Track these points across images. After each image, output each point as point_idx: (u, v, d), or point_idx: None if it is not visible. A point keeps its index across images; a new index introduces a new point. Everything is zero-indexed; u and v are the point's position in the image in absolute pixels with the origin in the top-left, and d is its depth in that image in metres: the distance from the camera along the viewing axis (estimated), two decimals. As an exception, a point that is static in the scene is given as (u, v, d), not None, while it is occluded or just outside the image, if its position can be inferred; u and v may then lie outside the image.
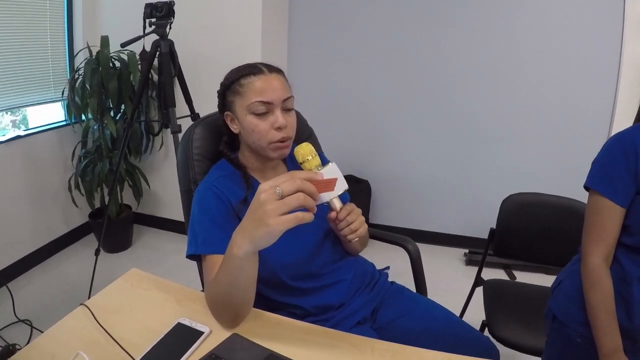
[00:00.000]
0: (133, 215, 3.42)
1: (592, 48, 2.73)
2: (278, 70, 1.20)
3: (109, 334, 0.95)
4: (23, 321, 2.33)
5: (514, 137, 3.05)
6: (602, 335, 1.11)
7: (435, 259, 3.19)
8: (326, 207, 1.02)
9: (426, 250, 3.23)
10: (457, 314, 2.08)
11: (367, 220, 3.40)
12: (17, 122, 3.01)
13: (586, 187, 1.21)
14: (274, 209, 0.78)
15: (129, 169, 3.19)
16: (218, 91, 1.23)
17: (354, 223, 1.09)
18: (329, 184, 0.89)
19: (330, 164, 0.97)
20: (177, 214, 3.36)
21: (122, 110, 3.11)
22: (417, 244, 3.33)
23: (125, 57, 3.00)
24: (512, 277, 2.93)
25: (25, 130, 3.01)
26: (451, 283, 2.80)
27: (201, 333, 0.95)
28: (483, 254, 1.99)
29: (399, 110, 3.26)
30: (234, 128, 1.22)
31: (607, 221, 1.15)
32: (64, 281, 2.86)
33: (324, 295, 1.20)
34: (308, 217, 0.80)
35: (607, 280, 1.14)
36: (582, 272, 1.18)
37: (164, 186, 3.51)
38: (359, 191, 3.33)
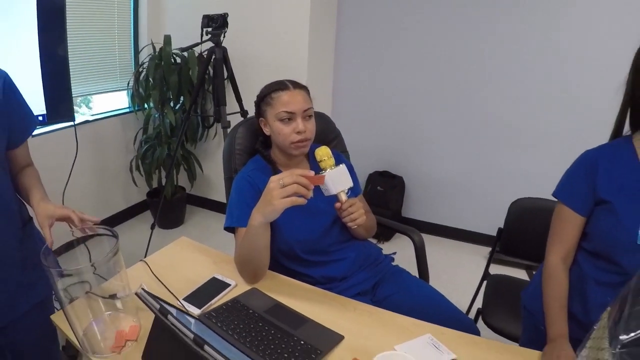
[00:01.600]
0: (186, 196, 3.80)
1: (619, 58, 2.80)
2: (302, 87, 1.48)
3: (160, 281, 1.26)
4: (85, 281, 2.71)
5: (542, 143, 3.18)
6: (551, 322, 1.26)
7: (460, 254, 3.38)
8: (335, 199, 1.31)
9: (453, 246, 3.47)
10: (467, 303, 2.29)
11: (400, 214, 3.62)
12: (79, 102, 3.39)
13: (554, 195, 1.37)
14: (277, 194, 1.11)
15: (184, 154, 3.55)
16: (255, 102, 1.53)
17: (354, 214, 1.35)
18: (320, 179, 1.18)
19: (340, 165, 1.26)
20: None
21: (181, 102, 3.46)
22: (445, 239, 3.53)
23: (186, 54, 3.33)
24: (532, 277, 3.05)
25: (92, 115, 3.42)
26: (469, 278, 2.96)
27: (229, 285, 1.25)
28: (491, 251, 2.17)
29: (434, 113, 3.45)
30: (266, 131, 1.51)
31: (567, 226, 1.30)
32: (121, 251, 3.23)
33: (330, 268, 1.47)
34: (301, 200, 1.12)
35: (562, 276, 1.30)
36: (543, 267, 1.36)
37: (215, 171, 3.85)
38: (393, 186, 3.55)
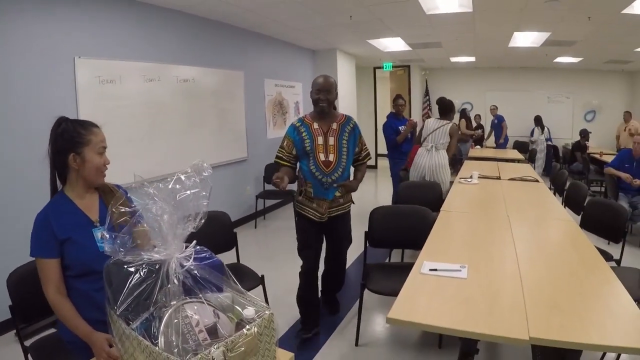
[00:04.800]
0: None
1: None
2: None
3: None
4: None
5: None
6: (77, 329, 1.66)
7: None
8: None
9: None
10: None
11: None
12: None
13: (32, 255, 1.70)
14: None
15: None
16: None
17: None
18: None
19: None
20: None
21: None
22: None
23: None
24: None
25: None
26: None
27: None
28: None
29: None
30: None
31: (50, 270, 1.69)
32: None
33: None
34: None
35: (64, 301, 1.70)
36: (49, 302, 1.70)
37: None
38: None
